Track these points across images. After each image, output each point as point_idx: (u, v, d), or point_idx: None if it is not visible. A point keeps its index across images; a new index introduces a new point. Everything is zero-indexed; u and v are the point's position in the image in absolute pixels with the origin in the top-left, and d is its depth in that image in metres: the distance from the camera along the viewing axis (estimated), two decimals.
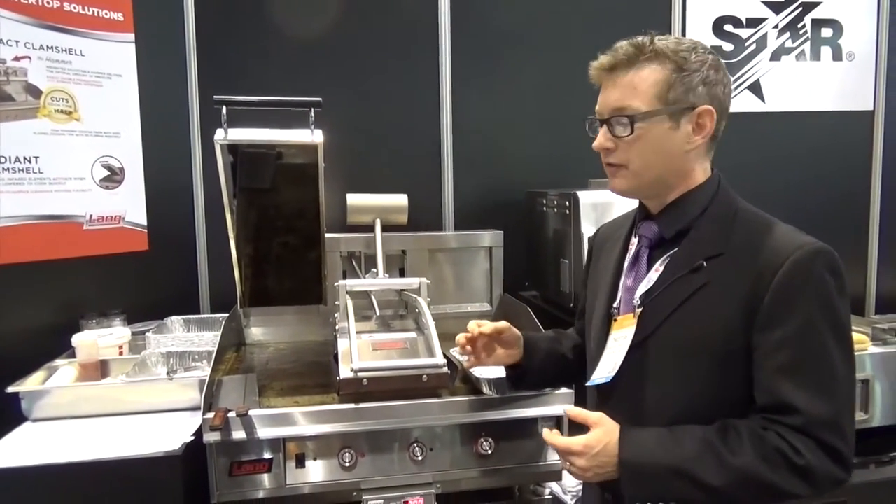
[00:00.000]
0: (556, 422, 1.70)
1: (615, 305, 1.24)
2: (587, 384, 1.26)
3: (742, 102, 2.92)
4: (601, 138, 1.18)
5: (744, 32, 2.90)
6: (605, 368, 1.20)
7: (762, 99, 2.92)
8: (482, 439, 1.72)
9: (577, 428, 1.18)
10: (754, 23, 2.90)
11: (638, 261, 1.22)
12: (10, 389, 1.72)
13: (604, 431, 1.12)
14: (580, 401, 1.50)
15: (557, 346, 1.56)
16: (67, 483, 1.49)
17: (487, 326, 1.46)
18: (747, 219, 1.15)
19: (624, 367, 1.17)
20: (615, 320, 1.23)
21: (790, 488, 1.03)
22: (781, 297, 1.04)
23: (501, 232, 2.44)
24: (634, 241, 1.26)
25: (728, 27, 2.89)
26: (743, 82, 2.91)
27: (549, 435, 1.18)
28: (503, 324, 1.48)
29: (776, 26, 2.91)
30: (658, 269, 1.17)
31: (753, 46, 2.92)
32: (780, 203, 2.86)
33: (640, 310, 1.17)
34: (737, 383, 1.09)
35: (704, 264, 1.11)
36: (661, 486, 1.08)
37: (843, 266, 1.08)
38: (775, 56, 2.92)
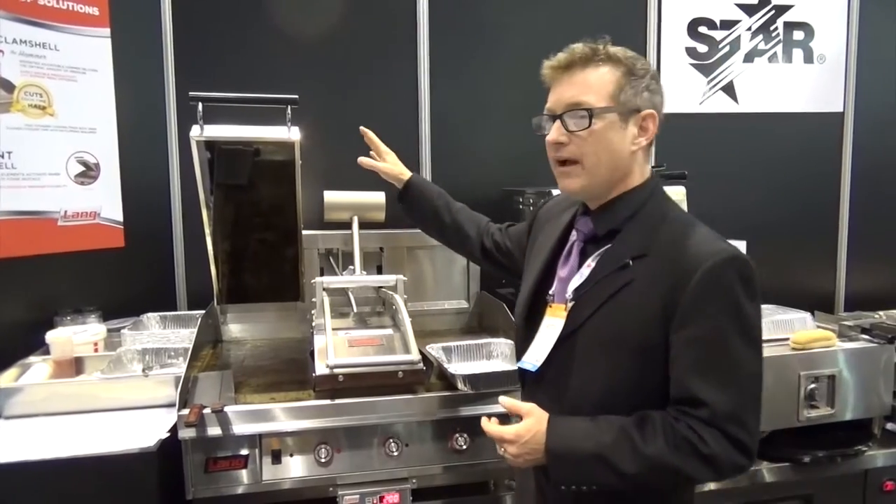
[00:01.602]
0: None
1: (551, 292, 1.32)
2: (518, 364, 1.35)
3: (716, 103, 2.96)
4: (555, 133, 1.22)
5: (718, 34, 2.95)
6: (534, 355, 1.28)
7: (735, 100, 2.97)
8: (457, 435, 1.74)
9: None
10: (728, 25, 2.95)
11: (571, 254, 1.30)
12: None
13: (534, 420, 1.21)
14: None
15: (441, 211, 1.79)
16: (42, 480, 1.49)
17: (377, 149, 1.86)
18: (674, 224, 1.22)
19: (552, 355, 1.25)
20: (550, 306, 1.30)
21: (697, 474, 1.13)
22: (694, 301, 1.12)
23: None
24: (574, 234, 1.33)
25: (702, 29, 2.94)
26: (717, 83, 2.96)
27: (486, 423, 1.27)
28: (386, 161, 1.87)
29: (749, 28, 2.96)
30: (590, 264, 1.25)
31: (727, 48, 2.96)
32: (752, 201, 2.95)
33: (572, 303, 1.24)
34: (654, 376, 1.17)
35: (630, 263, 1.19)
36: (583, 472, 1.17)
37: (754, 272, 1.16)
38: (748, 58, 2.97)
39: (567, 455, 1.17)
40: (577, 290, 1.25)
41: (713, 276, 1.12)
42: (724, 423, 1.10)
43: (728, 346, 1.12)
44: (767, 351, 1.94)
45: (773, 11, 2.96)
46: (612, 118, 1.20)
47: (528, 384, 1.36)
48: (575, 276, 1.27)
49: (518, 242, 1.64)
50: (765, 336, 2.00)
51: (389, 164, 1.89)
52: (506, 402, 1.28)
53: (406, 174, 1.84)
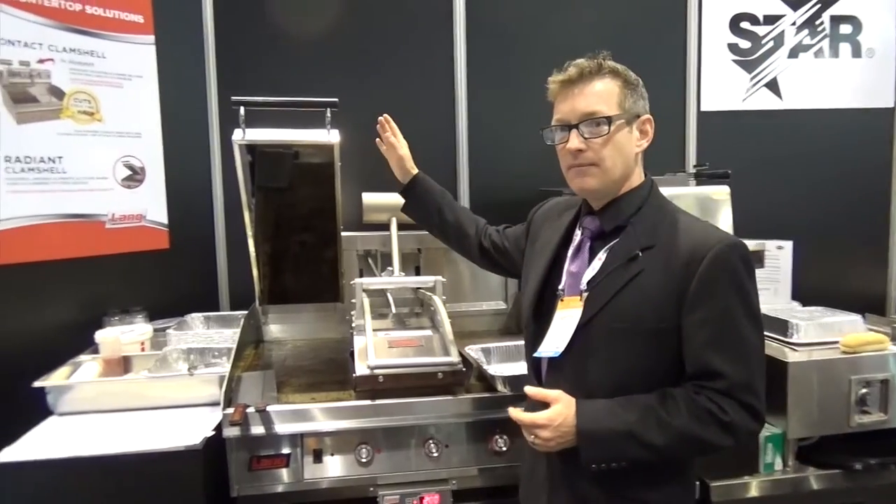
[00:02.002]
0: None
1: (561, 287, 1.40)
2: (534, 355, 1.40)
3: (759, 100, 2.89)
4: (575, 141, 1.32)
5: (761, 30, 2.88)
6: (553, 344, 1.35)
7: (779, 96, 2.90)
8: (497, 436, 1.74)
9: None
10: (772, 20, 2.88)
11: (581, 250, 1.39)
12: (37, 384, 1.77)
13: (563, 405, 1.28)
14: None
15: (444, 209, 1.83)
16: (91, 476, 1.53)
17: (394, 132, 1.86)
18: (674, 217, 1.34)
19: (572, 342, 1.32)
20: (561, 300, 1.38)
21: (718, 441, 1.23)
22: (704, 284, 1.23)
23: None
24: (578, 232, 1.43)
25: (745, 24, 2.87)
26: (760, 80, 2.89)
27: (515, 412, 1.34)
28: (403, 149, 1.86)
29: (794, 23, 2.89)
30: (601, 258, 1.35)
31: (771, 44, 2.89)
32: (798, 201, 2.87)
33: (587, 294, 1.33)
34: (667, 356, 1.28)
35: (640, 254, 1.29)
36: (614, 449, 1.25)
37: (751, 256, 1.29)
38: (793, 53, 2.90)
39: (598, 434, 1.25)
40: (590, 281, 1.33)
41: (720, 261, 1.23)
42: (739, 393, 1.22)
43: (737, 324, 1.23)
44: (816, 354, 1.92)
45: (818, 5, 2.88)
46: (621, 124, 1.32)
47: (548, 373, 1.41)
48: (587, 269, 1.35)
49: (515, 243, 1.72)
50: (813, 339, 1.99)
51: (407, 153, 1.90)
52: (532, 391, 1.34)
53: (414, 169, 1.88)
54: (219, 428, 1.63)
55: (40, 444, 1.61)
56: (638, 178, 1.38)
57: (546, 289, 1.44)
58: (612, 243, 1.34)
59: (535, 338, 1.42)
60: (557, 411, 1.28)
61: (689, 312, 1.24)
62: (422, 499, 1.72)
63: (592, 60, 1.33)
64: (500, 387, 1.74)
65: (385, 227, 2.26)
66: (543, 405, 1.31)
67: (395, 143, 1.87)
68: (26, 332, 2.11)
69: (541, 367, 1.42)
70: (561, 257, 1.44)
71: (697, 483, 1.92)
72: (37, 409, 1.76)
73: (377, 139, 1.91)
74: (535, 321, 1.44)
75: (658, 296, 1.26)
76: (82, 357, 2.02)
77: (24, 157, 2.13)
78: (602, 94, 1.31)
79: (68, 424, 1.73)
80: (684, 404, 1.23)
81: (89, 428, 1.70)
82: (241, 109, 1.86)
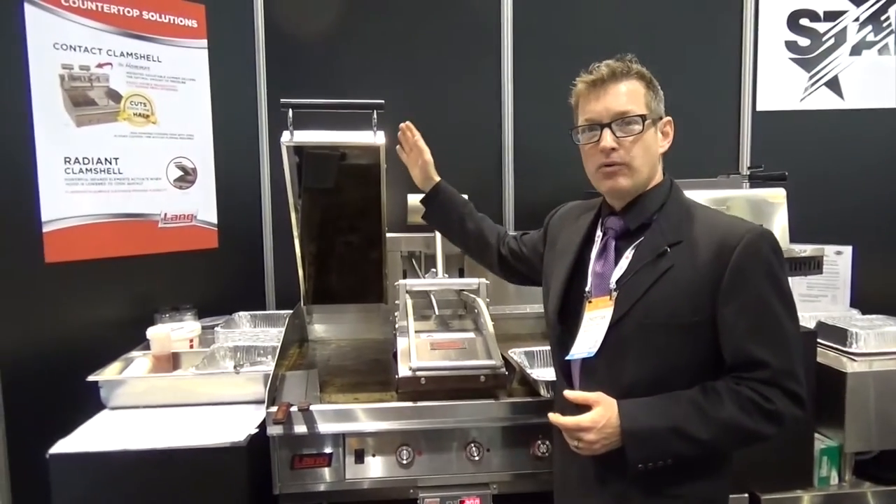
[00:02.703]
0: None
1: (587, 289, 1.39)
2: (567, 357, 1.38)
3: (818, 99, 2.79)
4: (609, 139, 1.32)
5: (821, 26, 2.77)
6: (586, 345, 1.34)
7: (840, 96, 2.78)
8: (539, 441, 1.71)
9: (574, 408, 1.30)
10: (833, 16, 2.77)
11: (606, 250, 1.39)
12: (90, 378, 1.82)
13: (605, 407, 1.27)
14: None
15: (466, 219, 1.80)
16: (139, 468, 1.57)
17: (416, 140, 1.81)
18: (698, 210, 1.36)
19: (605, 343, 1.31)
20: (589, 301, 1.37)
21: (764, 430, 1.23)
22: (737, 275, 1.24)
23: None
24: (600, 233, 1.43)
25: (804, 21, 2.77)
26: (820, 78, 2.78)
27: (557, 417, 1.33)
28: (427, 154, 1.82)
29: (857, 19, 2.77)
30: (627, 256, 1.34)
31: (832, 41, 2.78)
32: (858, 204, 2.75)
33: (616, 293, 1.32)
34: (703, 350, 1.28)
35: (668, 250, 1.29)
36: (660, 447, 1.24)
37: (779, 244, 1.28)
38: (855, 50, 2.78)
39: (643, 433, 1.24)
40: (619, 280, 1.33)
41: (751, 252, 1.23)
42: (782, 380, 1.22)
43: (774, 311, 1.23)
44: (877, 365, 1.83)
45: (884, 0, 2.76)
46: (649, 124, 1.33)
47: (581, 375, 1.40)
48: (614, 269, 1.35)
49: (534, 249, 1.70)
50: (873, 349, 1.91)
51: (430, 158, 1.86)
52: (573, 395, 1.33)
53: (436, 177, 1.85)
54: (263, 426, 1.65)
55: (92, 436, 1.66)
56: (660, 176, 1.40)
57: (570, 291, 1.44)
58: (637, 241, 1.34)
59: (562, 341, 1.42)
60: (600, 413, 1.27)
61: (724, 304, 1.24)
62: (462, 502, 1.70)
63: (621, 62, 1.35)
64: (542, 391, 1.71)
65: (430, 228, 2.24)
66: (580, 409, 1.29)
67: (421, 148, 1.83)
68: (82, 327, 2.19)
69: (571, 371, 1.42)
70: (584, 259, 1.44)
71: (747, 496, 1.86)
72: (90, 402, 1.82)
73: (398, 146, 1.88)
74: (560, 324, 1.44)
75: (690, 289, 1.26)
76: (134, 353, 2.08)
77: (83, 159, 2.20)
78: (632, 94, 1.33)
79: (119, 418, 1.78)
80: (727, 396, 1.22)
81: (139, 422, 1.75)
82: (290, 111, 1.89)
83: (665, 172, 1.41)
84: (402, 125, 1.86)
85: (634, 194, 1.37)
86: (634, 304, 1.29)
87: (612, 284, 1.33)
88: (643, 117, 1.31)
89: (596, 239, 1.43)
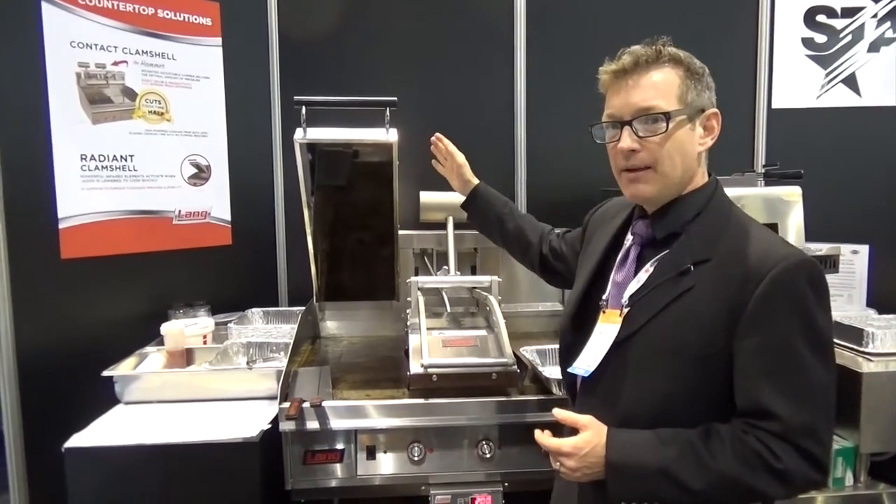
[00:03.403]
0: None
1: (604, 297, 1.27)
2: (568, 369, 1.29)
3: (835, 97, 2.75)
4: (628, 140, 1.17)
5: (838, 23, 2.74)
6: (587, 360, 1.23)
7: (858, 93, 2.75)
8: None
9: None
10: (850, 12, 2.74)
11: (628, 258, 1.26)
12: (105, 373, 1.84)
13: (592, 433, 1.16)
14: None
15: (506, 219, 1.80)
16: (153, 462, 1.59)
17: (447, 147, 1.87)
18: (737, 226, 1.18)
19: (607, 362, 1.20)
20: (604, 312, 1.25)
21: (768, 490, 1.07)
22: (762, 307, 1.07)
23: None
24: (629, 237, 1.29)
25: (821, 17, 2.74)
26: (837, 76, 2.75)
27: (540, 436, 1.22)
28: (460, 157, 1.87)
29: (875, 15, 2.73)
30: (648, 269, 1.20)
31: (849, 37, 2.75)
32: (877, 204, 2.72)
33: (627, 309, 1.20)
34: (714, 385, 1.12)
35: (692, 269, 1.14)
36: (645, 487, 1.11)
37: (824, 278, 1.10)
38: (873, 47, 2.74)
39: (629, 469, 1.12)
40: (633, 295, 1.20)
41: (783, 282, 1.07)
42: (797, 438, 1.05)
43: (799, 356, 1.06)
44: (893, 365, 1.81)
45: None
46: (682, 120, 1.16)
47: (580, 393, 1.31)
48: (632, 281, 1.22)
49: (572, 247, 1.62)
50: (890, 349, 1.88)
51: (465, 162, 1.91)
52: (561, 415, 1.23)
53: (475, 180, 1.86)
54: (275, 421, 1.66)
55: (107, 431, 1.68)
56: (700, 179, 1.22)
57: (590, 298, 1.32)
58: (662, 254, 1.20)
59: (570, 350, 1.32)
60: (585, 440, 1.16)
61: (742, 338, 1.09)
62: (473, 500, 1.70)
63: (650, 47, 1.17)
64: (555, 389, 1.71)
65: (442, 225, 2.26)
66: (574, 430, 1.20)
67: (453, 153, 1.86)
68: (97, 322, 2.21)
69: (576, 385, 1.33)
70: (609, 264, 1.31)
71: None
72: (105, 397, 1.84)
73: (433, 160, 1.91)
74: (573, 332, 1.33)
75: (707, 317, 1.11)
76: (148, 348, 2.09)
77: (99, 156, 2.22)
78: (660, 86, 1.15)
79: (134, 413, 1.80)
80: (730, 444, 1.08)
81: (153, 417, 1.76)
82: (303, 109, 1.89)
83: (710, 174, 1.25)
84: (432, 138, 1.86)
85: (664, 200, 1.22)
86: (644, 324, 1.16)
87: (625, 300, 1.21)
88: (668, 115, 1.14)
89: (626, 243, 1.29)
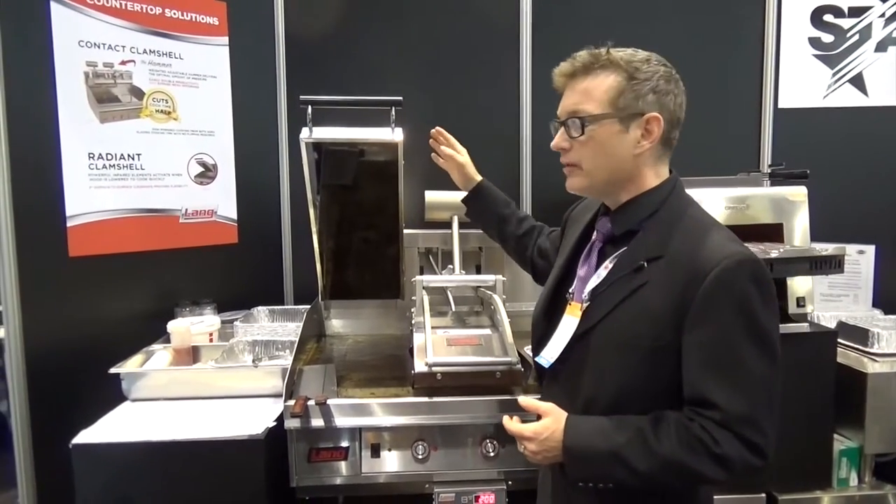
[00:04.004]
0: None
1: (570, 290, 1.35)
2: (535, 358, 1.38)
3: (842, 97, 2.75)
4: (558, 139, 1.30)
5: (845, 22, 2.73)
6: (550, 352, 1.32)
7: (865, 93, 2.74)
8: None
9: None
10: (858, 12, 2.73)
11: (591, 253, 1.34)
12: (112, 371, 1.85)
13: (552, 420, 1.25)
14: None
15: (507, 219, 1.83)
16: (159, 459, 1.60)
17: (448, 145, 1.85)
18: (690, 224, 1.23)
19: (568, 353, 1.29)
20: (570, 304, 1.33)
21: (710, 473, 1.13)
22: (706, 302, 1.13)
23: None
24: (594, 234, 1.36)
25: (828, 17, 2.73)
26: (844, 75, 2.74)
27: (507, 421, 1.34)
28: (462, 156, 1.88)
29: (883, 14, 2.73)
30: (607, 266, 1.28)
31: (856, 37, 2.74)
32: (884, 204, 2.71)
33: (587, 304, 1.27)
34: (666, 377, 1.19)
35: (646, 265, 1.21)
36: (597, 469, 1.20)
37: (768, 275, 1.17)
38: (881, 47, 2.74)
39: (583, 453, 1.20)
40: (593, 290, 1.28)
41: (725, 279, 1.13)
42: (736, 426, 1.12)
43: (738, 350, 1.13)
44: None
45: None
46: (609, 124, 1.22)
47: (545, 380, 1.40)
48: (592, 276, 1.30)
49: (554, 244, 1.68)
50: (894, 350, 1.88)
51: (467, 159, 1.92)
52: (525, 402, 1.33)
53: (477, 177, 1.87)
54: (280, 419, 1.67)
55: (114, 427, 1.69)
56: (652, 179, 1.27)
57: (560, 291, 1.40)
58: (621, 250, 1.27)
59: (541, 341, 1.39)
60: (545, 425, 1.25)
61: (688, 332, 1.15)
62: (477, 498, 1.71)
63: (590, 53, 1.24)
64: None
65: (447, 225, 2.26)
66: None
67: (453, 153, 1.87)
68: (104, 320, 2.22)
69: (542, 373, 1.41)
70: (577, 258, 1.39)
71: (764, 496, 1.85)
72: (112, 394, 1.85)
73: (432, 154, 1.91)
74: (544, 323, 1.41)
75: (658, 312, 1.17)
76: (155, 346, 2.11)
77: (106, 154, 2.24)
78: (589, 91, 1.23)
79: (140, 410, 1.81)
80: (675, 431, 1.14)
81: (159, 414, 1.77)
82: (309, 108, 1.90)
83: (672, 172, 1.30)
84: (432, 132, 1.87)
85: (599, 195, 1.32)
86: (602, 318, 1.23)
87: (586, 294, 1.28)
88: (584, 119, 1.22)
89: (593, 238, 1.37)
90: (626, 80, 1.21)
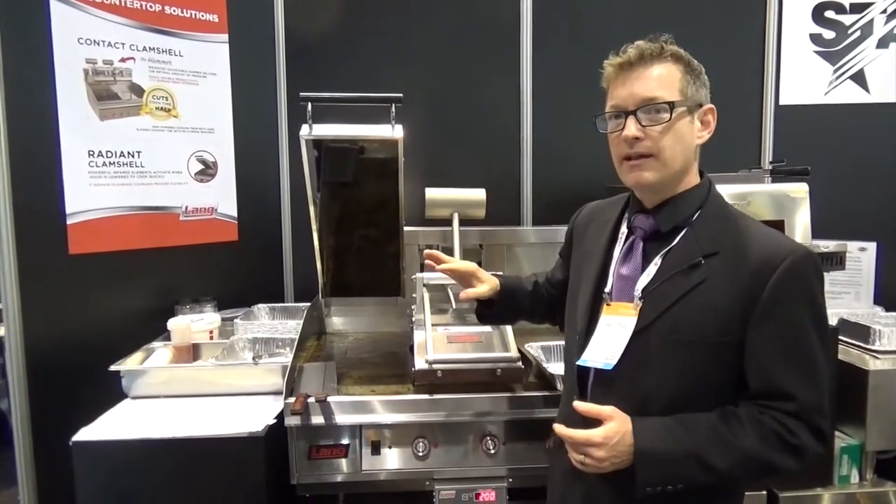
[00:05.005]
0: None
1: (606, 290, 1.30)
2: (578, 363, 1.29)
3: (843, 93, 2.74)
4: (632, 128, 1.22)
5: (847, 19, 2.73)
6: (603, 354, 1.25)
7: (866, 89, 2.74)
8: (555, 435, 1.70)
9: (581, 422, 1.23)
10: (859, 8, 2.72)
11: (633, 251, 1.29)
12: (112, 368, 1.85)
13: (619, 423, 1.19)
14: None
15: (523, 292, 1.64)
16: (160, 456, 1.60)
17: (452, 264, 1.60)
18: (739, 221, 1.24)
19: (623, 354, 1.22)
20: (607, 304, 1.29)
21: (784, 464, 1.15)
22: (776, 296, 1.14)
23: None
24: (624, 231, 1.33)
25: (829, 13, 2.73)
26: (845, 72, 2.74)
27: (565, 429, 1.24)
28: (464, 270, 1.61)
29: (884, 11, 2.72)
30: (657, 262, 1.24)
31: (858, 33, 2.73)
32: (884, 201, 2.70)
33: (642, 303, 1.23)
34: (726, 371, 1.19)
35: (703, 261, 1.20)
36: (674, 471, 1.16)
37: (822, 269, 1.20)
38: (882, 43, 2.73)
39: (657, 455, 1.16)
40: (645, 288, 1.24)
41: (795, 273, 1.15)
42: (809, 415, 1.14)
43: (809, 342, 1.16)
44: None
45: None
46: (683, 112, 1.22)
47: (594, 385, 1.30)
48: (641, 275, 1.26)
49: (560, 268, 1.60)
50: None
51: (487, 283, 1.61)
52: (585, 407, 1.23)
53: (498, 283, 1.61)
54: (281, 416, 1.67)
55: (114, 425, 1.69)
56: (695, 175, 1.28)
57: (596, 293, 1.33)
58: (668, 247, 1.24)
59: (576, 343, 1.32)
60: (613, 429, 1.18)
61: (756, 326, 1.15)
62: (477, 495, 1.71)
63: (654, 43, 1.22)
64: (559, 385, 1.71)
65: (447, 222, 2.26)
66: (588, 422, 1.21)
67: (454, 269, 1.62)
68: (104, 317, 2.22)
69: (587, 378, 1.31)
70: (609, 259, 1.34)
71: (765, 493, 1.84)
72: (112, 391, 1.85)
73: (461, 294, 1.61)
74: (588, 327, 1.32)
75: (722, 307, 1.16)
76: (155, 343, 2.11)
77: (106, 152, 2.24)
78: (663, 79, 1.21)
79: (140, 407, 1.81)
80: (750, 425, 1.15)
81: (159, 411, 1.77)
82: (309, 105, 1.90)
83: (703, 172, 1.30)
84: (426, 253, 1.65)
85: (664, 189, 1.25)
86: (660, 316, 1.20)
87: (638, 293, 1.24)
88: (672, 104, 1.19)
89: (620, 237, 1.33)
90: (688, 71, 1.24)
